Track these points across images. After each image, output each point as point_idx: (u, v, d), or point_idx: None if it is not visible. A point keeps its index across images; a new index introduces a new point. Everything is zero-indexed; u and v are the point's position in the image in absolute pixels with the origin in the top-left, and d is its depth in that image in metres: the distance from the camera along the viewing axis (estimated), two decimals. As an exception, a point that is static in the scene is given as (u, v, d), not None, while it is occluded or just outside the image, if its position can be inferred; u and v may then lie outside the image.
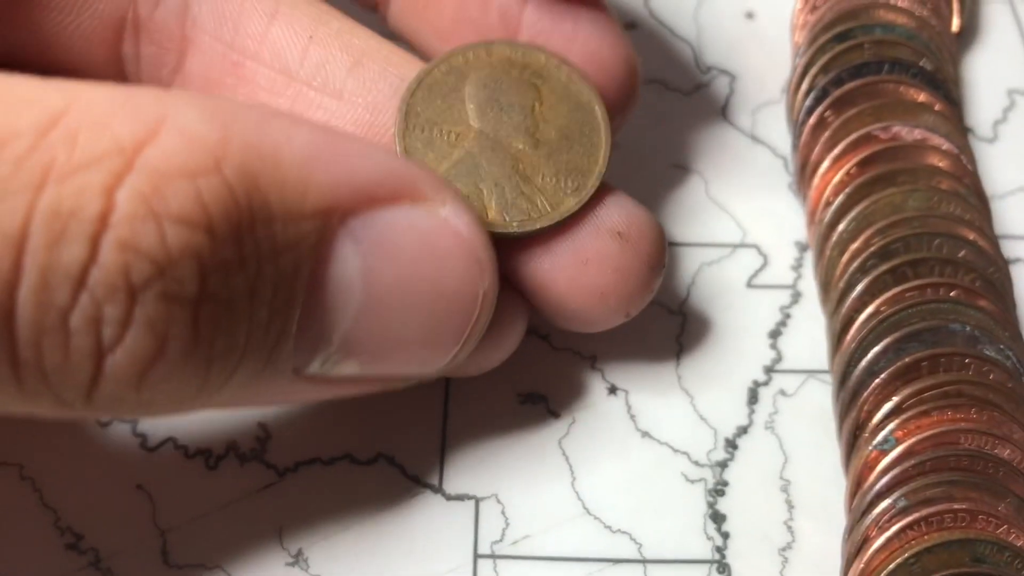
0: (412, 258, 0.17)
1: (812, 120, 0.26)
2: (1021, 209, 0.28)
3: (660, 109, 0.28)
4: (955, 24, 0.29)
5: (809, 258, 0.26)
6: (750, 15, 0.29)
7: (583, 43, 0.22)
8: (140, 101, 0.15)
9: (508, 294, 0.21)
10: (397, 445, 0.23)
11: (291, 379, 0.17)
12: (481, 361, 0.22)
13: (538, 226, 0.20)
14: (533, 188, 0.20)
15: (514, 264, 0.21)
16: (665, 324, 0.25)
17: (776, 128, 0.28)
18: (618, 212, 0.21)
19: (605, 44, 0.22)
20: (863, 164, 0.25)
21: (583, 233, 0.21)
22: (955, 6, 0.28)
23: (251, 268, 0.15)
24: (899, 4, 0.27)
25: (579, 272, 0.21)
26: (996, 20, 0.31)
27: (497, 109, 0.21)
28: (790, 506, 0.23)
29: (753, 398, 0.24)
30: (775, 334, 0.25)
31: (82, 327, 0.14)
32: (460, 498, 0.23)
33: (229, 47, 0.21)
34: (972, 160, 0.25)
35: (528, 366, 0.24)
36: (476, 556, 0.22)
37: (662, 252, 0.22)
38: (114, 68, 0.22)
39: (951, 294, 0.23)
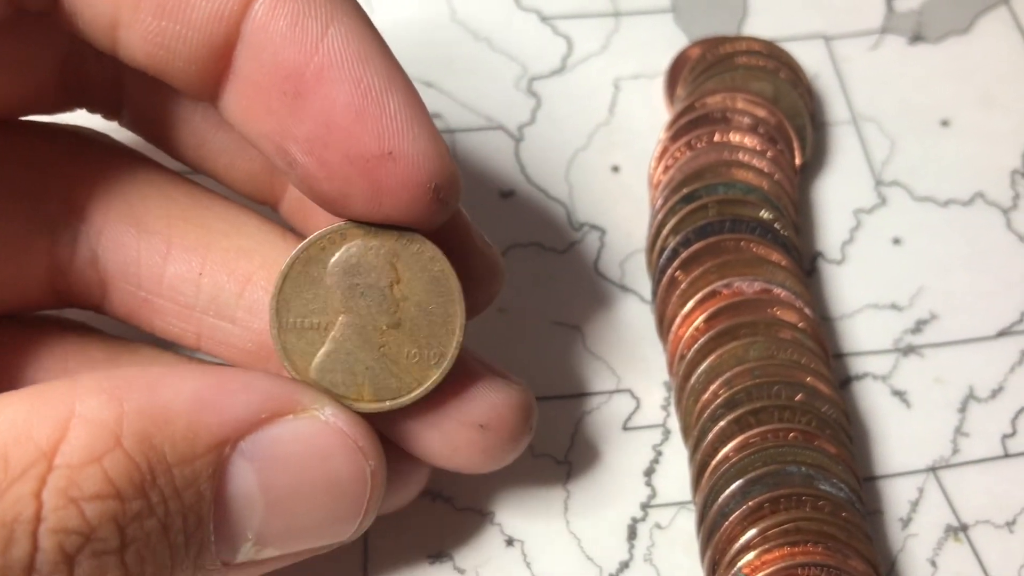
0: (301, 461, 0.21)
1: (664, 280, 0.29)
2: (867, 326, 0.31)
3: (538, 270, 0.31)
4: (797, 160, 0.32)
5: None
6: (615, 168, 0.33)
7: None
8: (52, 402, 0.19)
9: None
10: (325, 613, 0.27)
11: (223, 571, 0.21)
12: (396, 503, 0.26)
13: (408, 400, 0.23)
14: (400, 367, 0.23)
15: (400, 435, 0.24)
16: (553, 473, 0.29)
17: (642, 277, 0.31)
18: (481, 404, 0.24)
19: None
20: (709, 319, 0.28)
21: (451, 426, 0.24)
22: (795, 145, 0.32)
23: (159, 510, 0.19)
24: (741, 158, 0.31)
25: (451, 454, 0.24)
26: (841, 143, 0.34)
27: (358, 293, 0.23)
28: (663, 637, 0.27)
29: (632, 534, 0.28)
30: (649, 472, 0.29)
31: None
32: (381, 659, 0.26)
33: (137, 287, 0.25)
34: (809, 302, 0.29)
35: (435, 527, 0.28)
36: None
37: (525, 433, 0.25)
38: (54, 300, 0.26)
39: (789, 437, 0.27)
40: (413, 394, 0.23)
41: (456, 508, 0.28)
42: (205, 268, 0.25)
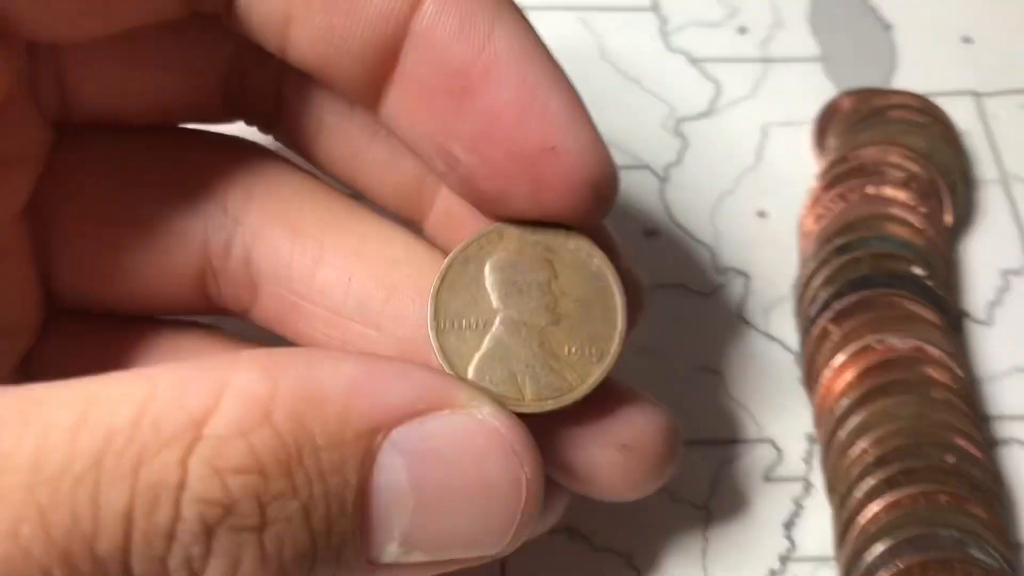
0: (455, 460, 0.20)
1: (815, 331, 0.29)
2: (1015, 389, 0.31)
3: (682, 312, 0.31)
4: (948, 219, 0.32)
5: (818, 450, 0.29)
6: (762, 214, 0.33)
7: None
8: (208, 374, 0.19)
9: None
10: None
11: (367, 571, 0.21)
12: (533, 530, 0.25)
13: (570, 399, 0.22)
14: (561, 363, 0.22)
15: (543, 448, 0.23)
16: (692, 520, 0.29)
17: (787, 325, 0.31)
18: (625, 424, 0.24)
19: None
20: (861, 375, 0.28)
21: (592, 446, 0.24)
22: (947, 203, 0.31)
23: (303, 493, 0.19)
24: (894, 212, 0.30)
25: (591, 476, 0.24)
26: (991, 203, 0.34)
27: (516, 291, 0.23)
28: None
29: (771, 587, 0.28)
30: (789, 525, 0.29)
31: (177, 567, 0.18)
32: None
33: (287, 291, 0.25)
34: (963, 364, 0.29)
35: (572, 566, 0.28)
36: None
37: (669, 459, 0.24)
38: (204, 304, 0.26)
39: (941, 500, 0.26)
40: (576, 392, 0.22)
41: (594, 548, 0.28)
42: (355, 275, 0.25)
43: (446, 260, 0.23)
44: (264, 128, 0.27)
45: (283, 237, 0.25)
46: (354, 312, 0.25)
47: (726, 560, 0.28)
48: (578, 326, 0.23)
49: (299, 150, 0.27)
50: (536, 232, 0.23)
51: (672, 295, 0.31)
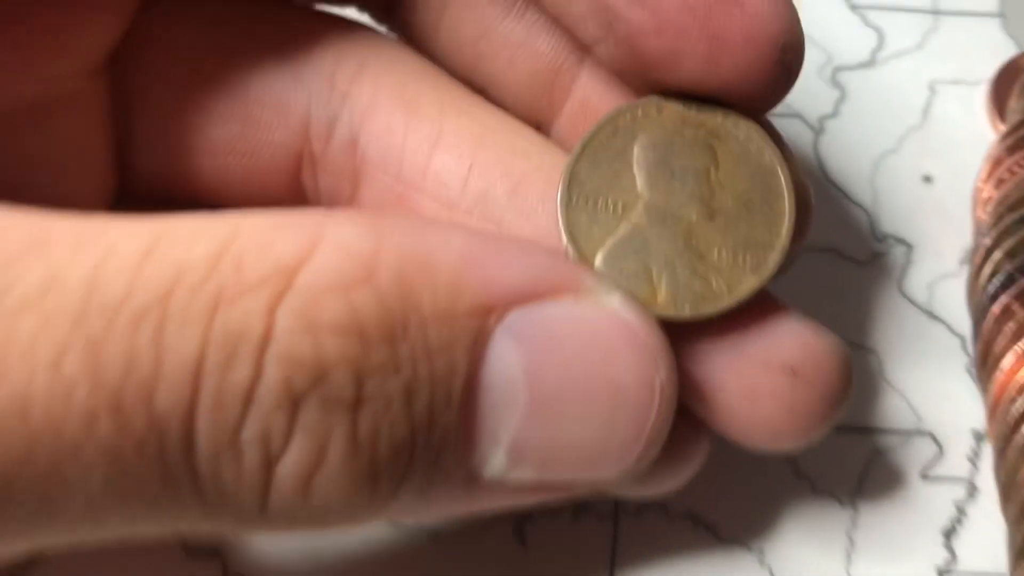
0: (578, 353, 0.17)
1: (996, 308, 0.25)
2: None
3: (835, 279, 0.27)
4: None
5: (986, 449, 0.25)
6: (928, 179, 0.29)
7: None
8: (300, 222, 0.16)
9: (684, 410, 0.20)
10: (560, 634, 0.23)
11: (466, 486, 0.17)
12: (666, 482, 0.21)
13: (713, 311, 0.19)
14: (707, 266, 0.19)
15: (681, 374, 0.19)
16: (835, 517, 0.25)
17: (954, 304, 0.27)
18: (791, 344, 0.20)
19: None
20: (1052, 363, 0.24)
21: (751, 366, 0.20)
22: None
23: (406, 370, 0.16)
24: (1092, 183, 0.26)
25: (749, 405, 0.20)
26: None
27: (668, 175, 0.19)
28: None
29: (926, 602, 0.24)
30: (949, 532, 0.24)
31: (252, 440, 0.15)
32: None
33: (395, 179, 0.22)
34: None
35: (694, 557, 0.24)
36: None
37: (844, 389, 0.20)
38: (296, 198, 0.23)
39: None
40: (721, 301, 0.19)
41: (719, 538, 0.24)
42: (476, 162, 0.21)
43: (591, 128, 0.20)
44: (377, 17, 0.24)
45: (397, 116, 0.22)
46: (473, 205, 0.21)
47: (873, 566, 0.24)
48: (734, 226, 0.19)
49: (419, 34, 0.24)
50: (701, 111, 0.20)
51: (823, 260, 0.27)
